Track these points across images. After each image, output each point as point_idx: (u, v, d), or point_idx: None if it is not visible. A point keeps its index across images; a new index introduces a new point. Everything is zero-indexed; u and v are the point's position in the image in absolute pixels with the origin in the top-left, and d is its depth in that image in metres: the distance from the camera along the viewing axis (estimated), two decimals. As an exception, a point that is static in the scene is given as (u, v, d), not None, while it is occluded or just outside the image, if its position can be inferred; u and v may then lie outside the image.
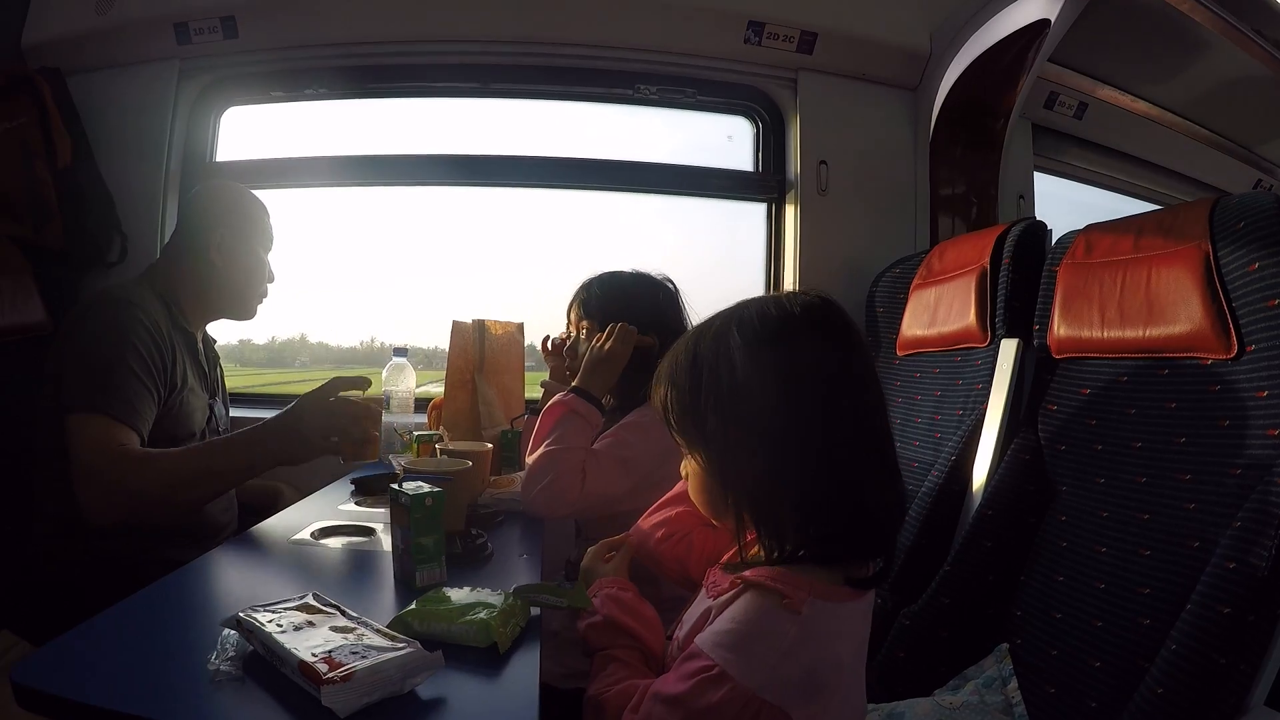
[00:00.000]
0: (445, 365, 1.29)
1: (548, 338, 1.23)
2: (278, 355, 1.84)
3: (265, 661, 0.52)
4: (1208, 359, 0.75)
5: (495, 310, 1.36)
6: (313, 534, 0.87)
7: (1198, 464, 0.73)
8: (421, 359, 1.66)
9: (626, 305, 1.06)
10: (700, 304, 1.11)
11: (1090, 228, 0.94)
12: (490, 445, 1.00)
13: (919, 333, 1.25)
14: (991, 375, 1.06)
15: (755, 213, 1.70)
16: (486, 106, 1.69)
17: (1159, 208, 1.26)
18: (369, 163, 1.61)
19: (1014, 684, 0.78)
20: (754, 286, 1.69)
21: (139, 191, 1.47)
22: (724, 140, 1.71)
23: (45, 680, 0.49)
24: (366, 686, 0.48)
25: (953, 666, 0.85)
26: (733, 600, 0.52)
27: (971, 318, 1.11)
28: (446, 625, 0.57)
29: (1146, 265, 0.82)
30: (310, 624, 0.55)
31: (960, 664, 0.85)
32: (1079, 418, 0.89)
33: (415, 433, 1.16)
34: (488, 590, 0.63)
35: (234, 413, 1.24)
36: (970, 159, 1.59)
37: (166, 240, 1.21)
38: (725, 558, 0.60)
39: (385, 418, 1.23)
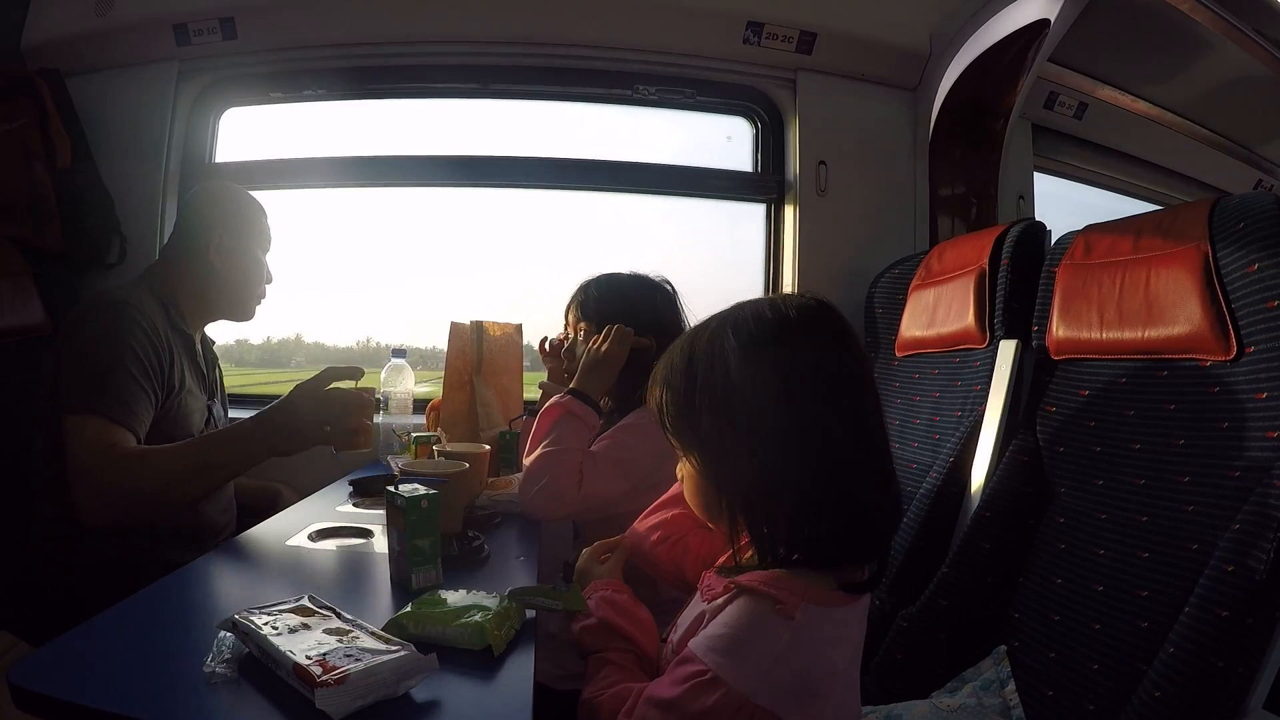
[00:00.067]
0: (443, 365, 1.29)
1: (545, 339, 1.23)
2: (273, 355, 1.85)
3: (261, 664, 0.52)
4: (1207, 360, 0.74)
5: (495, 311, 1.37)
6: (310, 536, 0.87)
7: (1196, 466, 0.72)
8: (417, 359, 1.66)
9: (624, 307, 1.06)
10: (702, 305, 1.11)
11: (1089, 228, 0.94)
12: (487, 447, 1.00)
13: (918, 334, 1.25)
14: (990, 376, 1.06)
15: (756, 213, 1.70)
16: (486, 107, 1.69)
17: (1159, 208, 1.25)
18: (368, 163, 1.61)
19: (1012, 686, 0.78)
20: (755, 287, 1.69)
21: (138, 193, 1.47)
22: (724, 139, 1.71)
23: (42, 682, 0.49)
24: (360, 689, 0.48)
25: (950, 669, 0.85)
26: (726, 604, 0.52)
27: (970, 319, 1.11)
28: (441, 628, 0.57)
29: (1146, 266, 0.82)
30: (305, 626, 0.55)
31: (958, 666, 0.84)
32: (1077, 419, 0.88)
33: (413, 434, 1.16)
34: (483, 593, 0.63)
35: (233, 413, 1.24)
36: (970, 159, 1.59)
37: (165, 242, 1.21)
38: (720, 561, 0.60)
39: (384, 419, 1.24)
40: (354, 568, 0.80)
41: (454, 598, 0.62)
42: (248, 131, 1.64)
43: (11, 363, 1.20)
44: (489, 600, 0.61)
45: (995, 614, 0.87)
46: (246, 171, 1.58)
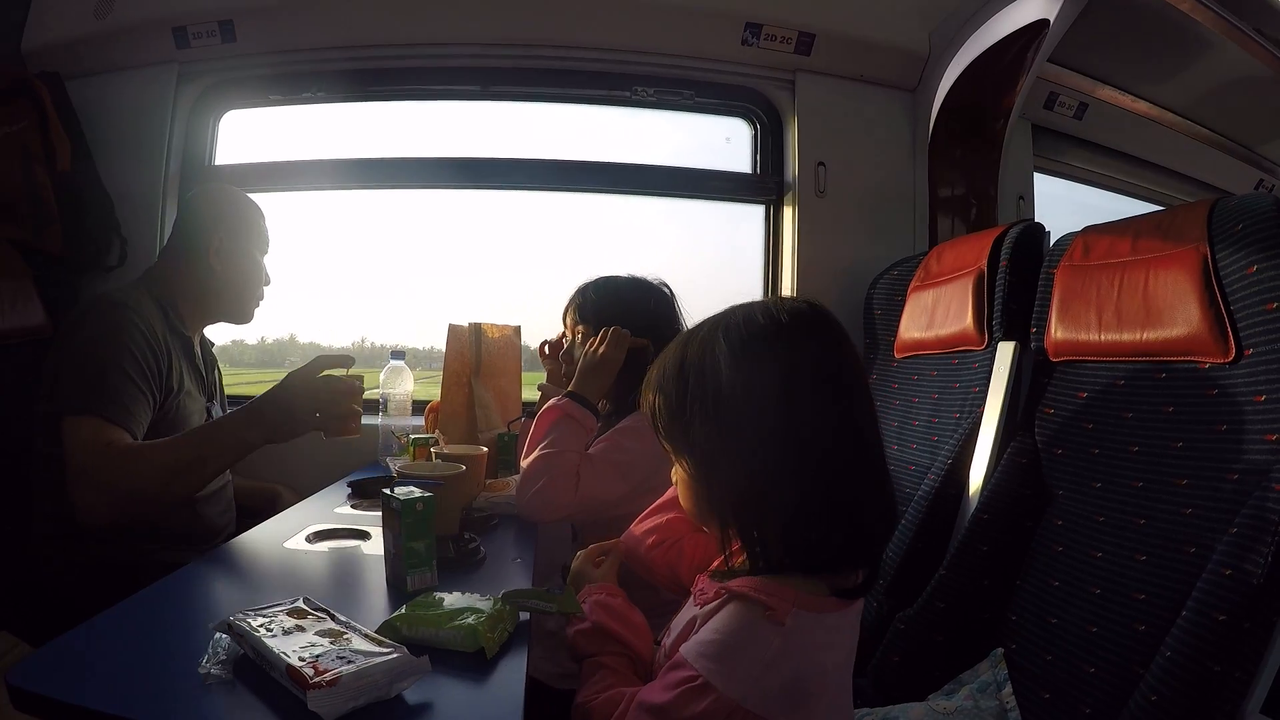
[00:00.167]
0: (441, 366, 1.29)
1: (545, 342, 1.23)
2: (269, 355, 1.85)
3: (255, 665, 0.52)
4: (1205, 363, 0.74)
5: (495, 313, 1.37)
6: (308, 538, 0.88)
7: (1195, 469, 0.72)
8: (415, 359, 1.66)
9: (621, 310, 1.06)
10: (704, 307, 1.09)
11: (1088, 230, 0.93)
12: (485, 449, 1.00)
13: (916, 335, 1.24)
14: (989, 378, 1.05)
15: (758, 215, 1.70)
16: (485, 109, 1.69)
17: (1160, 208, 1.25)
18: (369, 166, 1.61)
19: (1009, 689, 0.78)
20: (757, 289, 1.69)
21: (138, 195, 1.48)
22: (723, 140, 1.71)
23: (40, 683, 0.49)
24: (352, 691, 0.48)
25: (947, 671, 0.84)
26: (718, 609, 0.52)
27: (969, 320, 1.10)
28: (434, 630, 0.57)
29: (1144, 268, 0.81)
30: (300, 628, 0.55)
31: (955, 669, 0.84)
32: (1076, 421, 0.88)
33: (412, 435, 1.16)
34: (478, 595, 0.63)
35: (231, 414, 1.25)
36: (969, 160, 1.59)
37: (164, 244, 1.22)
38: (714, 565, 0.60)
39: (383, 420, 1.24)
40: (350, 569, 0.80)
41: (449, 600, 0.62)
42: (248, 134, 1.64)
43: (12, 364, 1.21)
44: (483, 603, 0.61)
45: (992, 616, 0.87)
46: (246, 174, 1.58)
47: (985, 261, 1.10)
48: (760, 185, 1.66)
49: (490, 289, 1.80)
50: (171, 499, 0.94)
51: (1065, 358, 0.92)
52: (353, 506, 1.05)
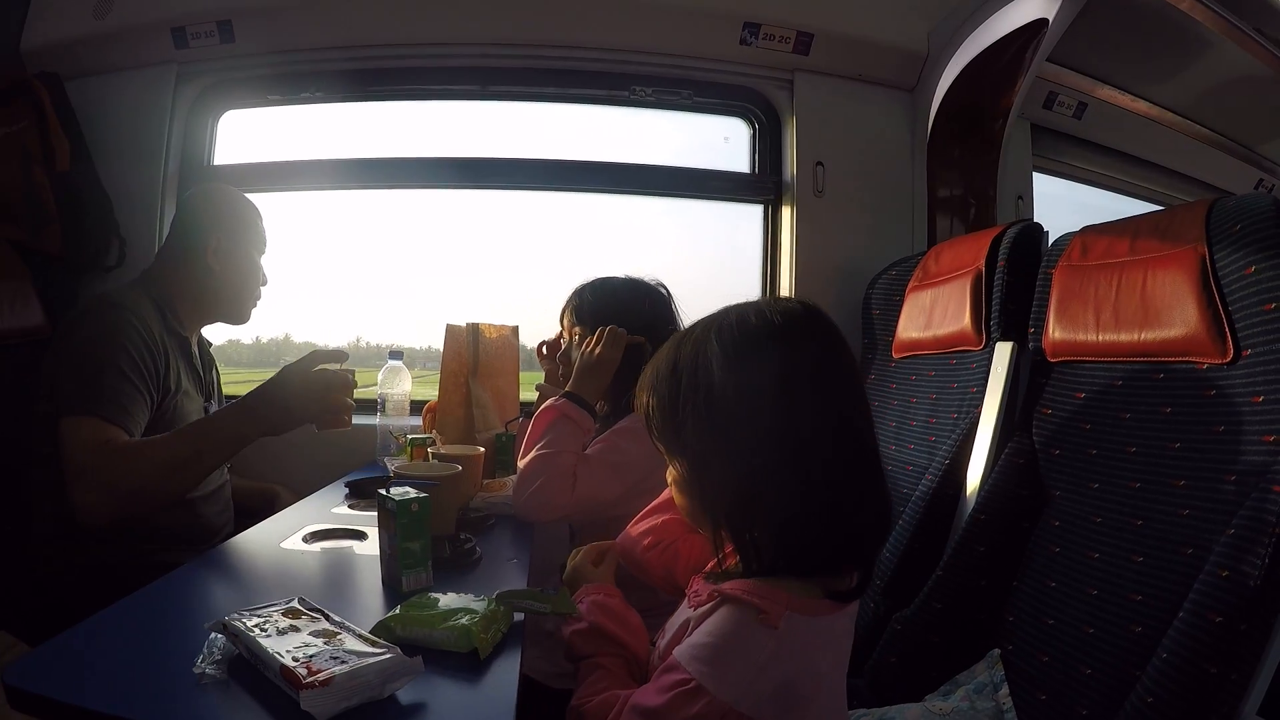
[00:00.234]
0: (439, 365, 1.29)
1: (543, 343, 1.23)
2: (264, 355, 1.86)
3: (250, 665, 0.52)
4: (1203, 363, 0.74)
5: (493, 313, 1.37)
6: (304, 538, 0.88)
7: (1192, 470, 0.72)
8: (413, 358, 1.66)
9: (618, 311, 1.06)
10: (702, 307, 1.09)
11: (1086, 230, 0.93)
12: (482, 449, 1.00)
13: (914, 335, 1.24)
14: (986, 379, 1.05)
15: (757, 214, 1.70)
16: (483, 109, 1.69)
17: (1160, 208, 1.24)
18: (368, 166, 1.61)
19: (1005, 690, 0.78)
20: (756, 289, 1.69)
21: (137, 195, 1.48)
22: (722, 140, 1.71)
23: (37, 682, 0.49)
24: (345, 691, 0.48)
25: (944, 672, 0.84)
26: (711, 612, 0.52)
27: (966, 321, 1.10)
28: (428, 630, 0.57)
29: (1142, 268, 0.81)
30: (294, 628, 0.55)
31: (952, 669, 0.84)
32: (1073, 422, 0.88)
33: (409, 436, 1.16)
34: (472, 595, 0.63)
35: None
36: (968, 160, 1.58)
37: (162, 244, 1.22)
38: (709, 567, 0.60)
39: (381, 420, 1.24)
40: (347, 570, 0.80)
41: (444, 600, 0.62)
42: (247, 134, 1.64)
43: (11, 365, 1.21)
44: (477, 603, 0.61)
45: (989, 617, 0.87)
46: (245, 174, 1.58)
47: (983, 261, 1.10)
48: (759, 185, 1.65)
49: (488, 289, 1.80)
50: (170, 495, 0.94)
51: (1063, 358, 0.92)
52: (350, 507, 1.05)
